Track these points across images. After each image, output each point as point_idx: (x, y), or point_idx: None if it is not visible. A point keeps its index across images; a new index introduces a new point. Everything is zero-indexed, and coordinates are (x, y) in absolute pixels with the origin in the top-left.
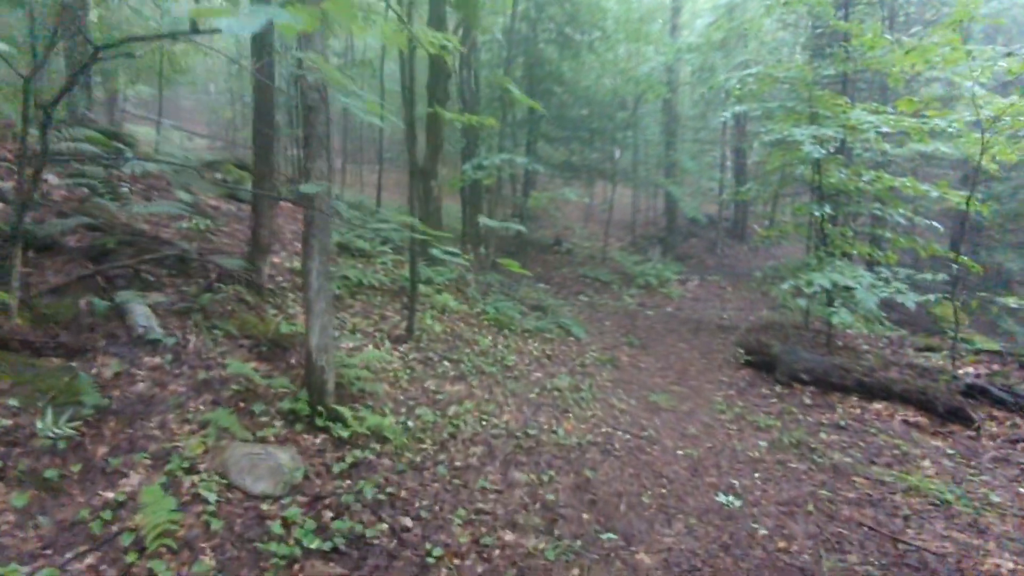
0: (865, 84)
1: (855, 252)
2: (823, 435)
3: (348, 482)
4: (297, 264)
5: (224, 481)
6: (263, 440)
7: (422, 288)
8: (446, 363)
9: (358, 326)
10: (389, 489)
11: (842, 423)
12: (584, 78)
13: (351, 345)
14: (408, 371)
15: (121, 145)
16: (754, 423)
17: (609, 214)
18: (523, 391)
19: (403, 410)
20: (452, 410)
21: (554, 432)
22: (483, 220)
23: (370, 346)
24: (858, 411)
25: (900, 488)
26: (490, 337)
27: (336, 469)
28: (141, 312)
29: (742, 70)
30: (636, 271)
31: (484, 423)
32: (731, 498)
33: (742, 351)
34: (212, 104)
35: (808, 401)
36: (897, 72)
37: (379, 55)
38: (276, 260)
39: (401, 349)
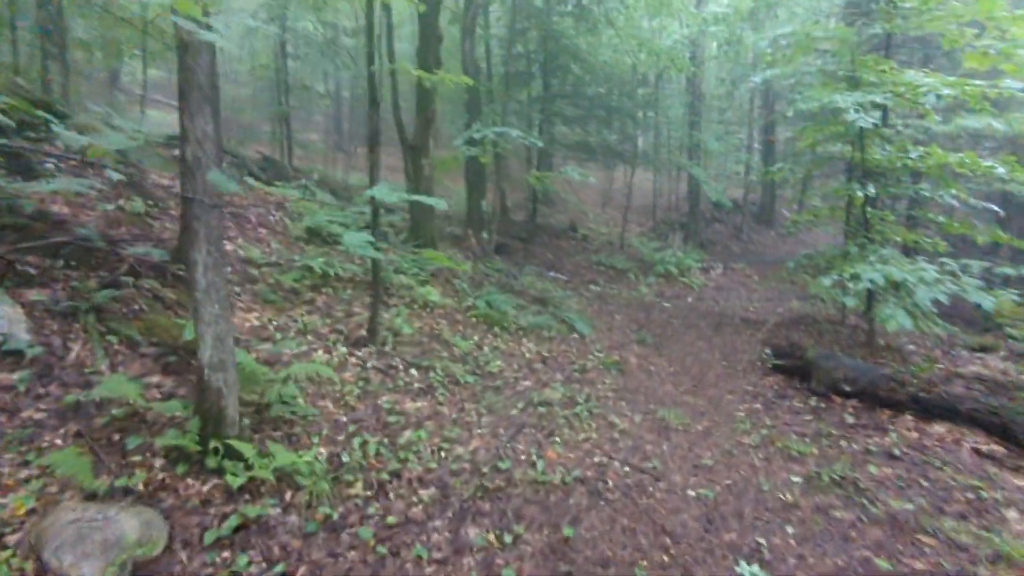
0: (906, 55)
1: (898, 239)
2: (873, 468)
3: (226, 554)
4: (256, 253)
5: (34, 562)
6: (126, 490)
7: (403, 280)
8: (412, 372)
9: (311, 326)
10: (282, 566)
11: (896, 451)
12: (602, 53)
13: (294, 351)
14: (361, 384)
15: (50, 117)
16: (785, 449)
17: (628, 198)
18: (503, 407)
19: (340, 438)
20: (405, 436)
21: (532, 465)
22: (485, 204)
23: (319, 351)
24: (915, 435)
25: (984, 554)
26: (476, 337)
27: (212, 536)
28: (1, 314)
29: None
30: (655, 259)
31: (443, 454)
32: (755, 569)
33: (770, 353)
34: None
35: (851, 420)
36: (955, 35)
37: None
38: (226, 248)
39: (359, 355)
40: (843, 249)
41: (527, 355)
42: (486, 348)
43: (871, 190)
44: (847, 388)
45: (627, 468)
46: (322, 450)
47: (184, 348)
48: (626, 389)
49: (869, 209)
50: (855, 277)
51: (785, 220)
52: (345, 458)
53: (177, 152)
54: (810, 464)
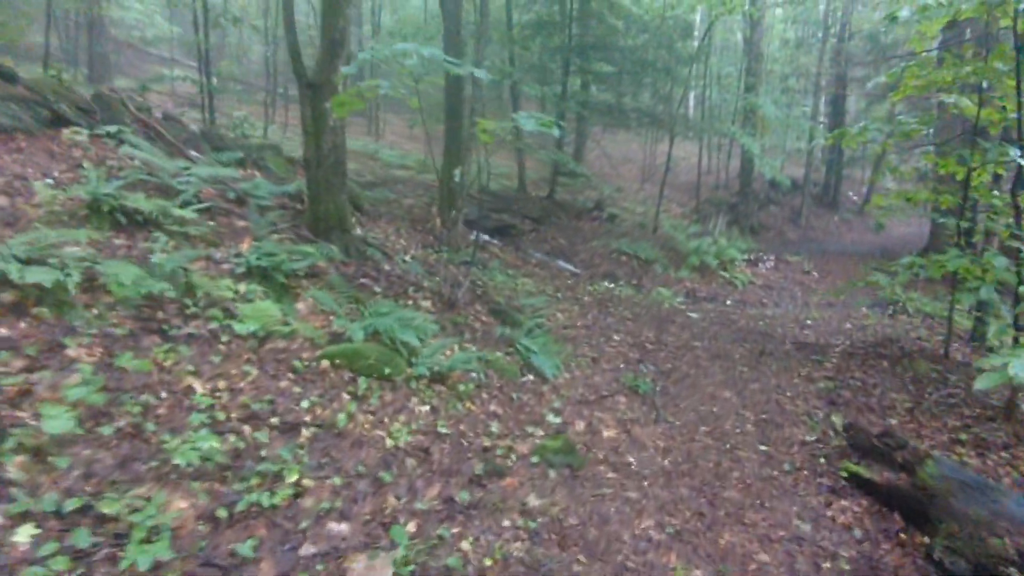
0: None
1: None
2: None
3: None
4: None
5: None
6: None
7: (223, 291)
8: None
9: None
10: None
11: None
12: None
13: None
14: None
15: None
16: None
17: (664, 173)
18: None
19: None
20: None
21: None
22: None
23: None
24: None
25: None
26: (305, 403)
27: None
28: None
29: None
30: (689, 247)
31: None
32: None
33: (841, 429)
34: None
35: None
36: None
37: None
38: None
39: None
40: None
41: (400, 436)
42: (306, 433)
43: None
44: (1012, 566)
45: None
46: None
47: None
48: (561, 532)
49: (996, 193)
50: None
51: (851, 204)
52: None
53: None
54: None
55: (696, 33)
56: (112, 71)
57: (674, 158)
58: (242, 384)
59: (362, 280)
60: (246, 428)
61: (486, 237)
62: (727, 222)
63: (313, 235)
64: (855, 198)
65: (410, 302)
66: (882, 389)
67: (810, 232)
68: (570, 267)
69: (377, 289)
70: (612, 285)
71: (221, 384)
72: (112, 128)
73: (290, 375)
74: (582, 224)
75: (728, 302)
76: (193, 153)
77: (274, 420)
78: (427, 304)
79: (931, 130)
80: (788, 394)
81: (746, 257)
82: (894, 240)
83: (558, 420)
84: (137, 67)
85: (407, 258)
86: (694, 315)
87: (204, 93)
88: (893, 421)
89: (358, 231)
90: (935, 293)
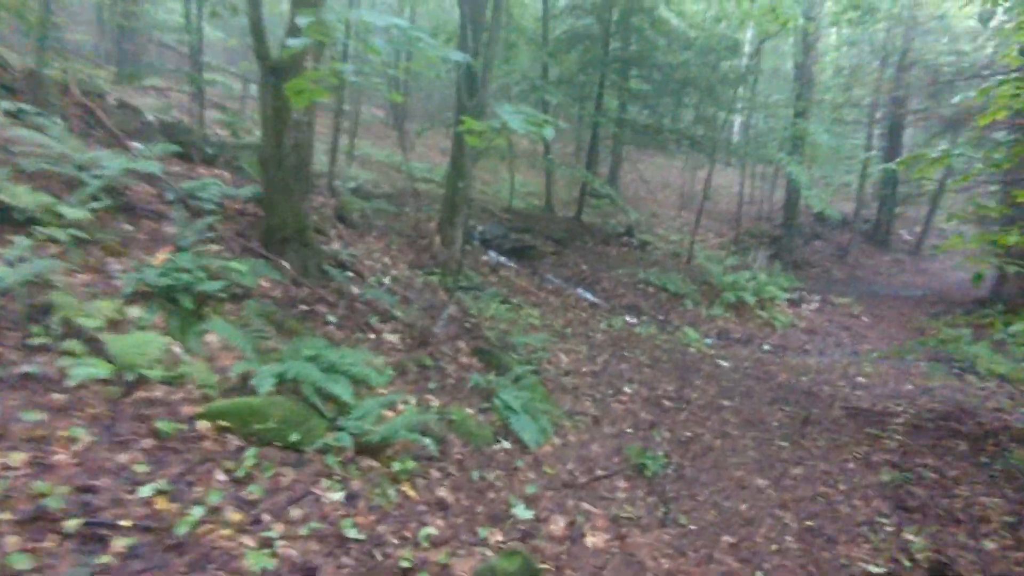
0: None
1: None
2: None
3: None
4: None
5: None
6: None
7: (132, 313)
8: None
9: None
10: None
11: None
12: (686, 11)
13: None
14: None
15: None
16: None
17: (702, 200)
18: None
19: None
20: None
21: None
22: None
23: None
24: None
25: None
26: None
27: None
28: None
29: None
30: (725, 282)
31: None
32: None
33: (919, 558)
34: None
35: None
36: None
37: None
38: None
39: None
40: None
41: (263, 557)
42: (120, 544)
43: None
44: None
45: None
46: None
47: None
48: None
49: None
50: None
51: (904, 244)
52: None
53: None
54: None
55: (744, 51)
56: (144, 70)
57: (714, 186)
58: (58, 457)
59: (313, 307)
60: (10, 540)
61: (501, 258)
62: (768, 256)
63: (265, 248)
64: (908, 237)
65: (372, 336)
66: (967, 487)
67: (858, 271)
68: (590, 296)
69: (331, 319)
70: (634, 320)
71: (18, 457)
72: (10, 106)
73: (146, 443)
74: (610, 250)
75: (765, 347)
76: (136, 145)
77: (72, 523)
78: (393, 339)
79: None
80: (841, 487)
81: (788, 296)
82: (949, 284)
83: (528, 515)
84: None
85: (386, 280)
86: (725, 363)
87: (194, 87)
88: (991, 544)
89: (334, 246)
90: (1008, 351)
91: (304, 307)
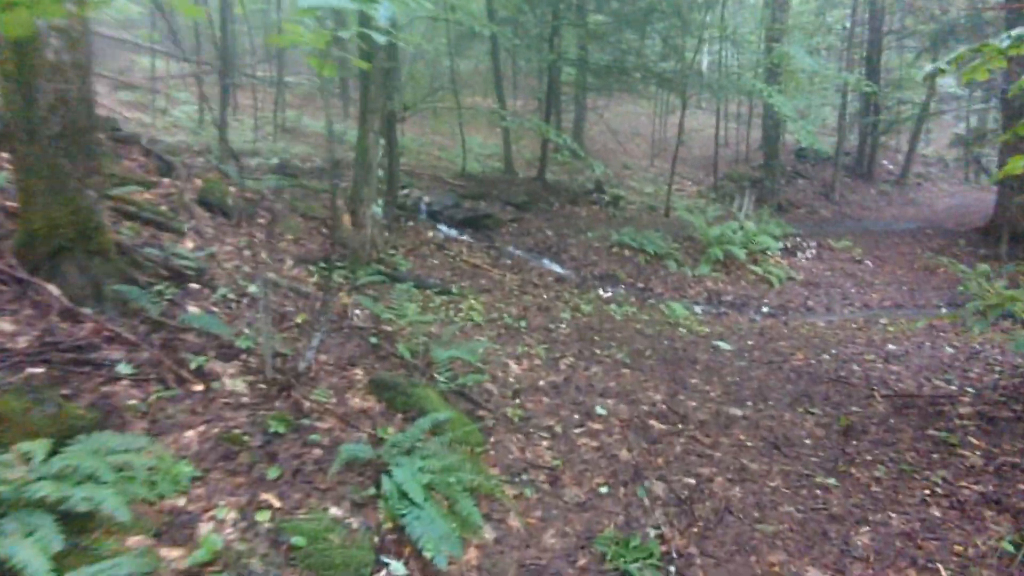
0: None
1: None
2: None
3: None
4: None
5: None
6: None
7: None
8: None
9: None
10: None
11: None
12: None
13: None
14: None
15: None
16: None
17: (676, 145)
18: None
19: None
20: None
21: None
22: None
23: None
24: None
25: None
26: None
27: None
28: None
29: None
30: (710, 235)
31: None
32: None
33: None
34: None
35: None
36: None
37: None
38: None
39: None
40: None
41: None
42: None
43: None
44: None
45: None
46: None
47: None
48: None
49: None
50: None
51: (888, 175)
52: None
53: None
54: None
55: None
56: None
57: (687, 130)
58: None
59: (95, 354)
60: None
61: (453, 232)
62: (753, 200)
63: (24, 266)
64: (891, 167)
65: (198, 388)
66: None
67: (845, 208)
68: (556, 268)
69: (124, 369)
70: (608, 294)
71: None
72: None
73: None
74: (578, 211)
75: (764, 309)
76: None
77: None
78: (239, 386)
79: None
80: (938, 557)
81: (781, 245)
82: (940, 214)
83: None
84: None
85: (253, 287)
86: (724, 345)
87: None
88: None
89: (186, 245)
90: None
91: (74, 356)
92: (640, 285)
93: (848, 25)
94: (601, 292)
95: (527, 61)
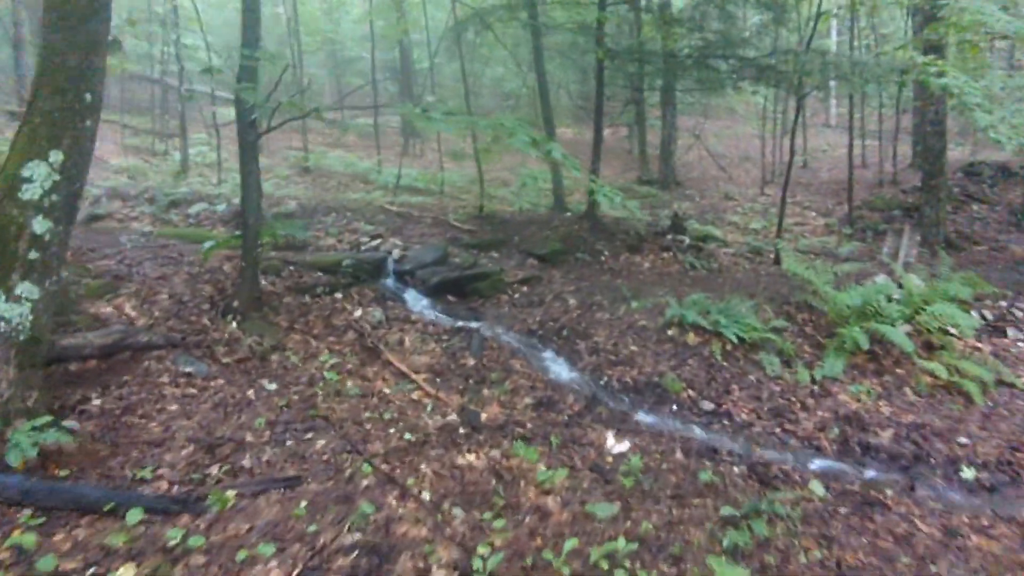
0: None
1: None
2: None
3: None
4: None
5: None
6: None
7: None
8: None
9: None
10: None
11: None
12: None
13: None
14: None
15: None
16: None
17: (789, 163)
18: None
19: None
20: None
21: None
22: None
23: None
24: None
25: None
26: None
27: None
28: None
29: None
30: (843, 303)
31: None
32: None
33: None
34: None
35: None
36: None
37: None
38: None
39: None
40: None
41: None
42: None
43: None
44: None
45: None
46: None
47: None
48: None
49: None
50: None
51: None
52: None
53: None
54: None
55: None
56: None
57: (812, 150)
58: None
59: None
60: None
61: (421, 303)
62: (912, 239)
63: None
64: None
65: None
66: None
67: None
68: (562, 368)
69: None
70: (622, 447)
71: None
72: None
73: None
74: (639, 260)
75: (966, 471)
76: None
77: None
78: None
79: None
80: None
81: (977, 316)
82: None
83: None
84: None
85: None
86: None
87: None
88: None
89: None
90: None
91: None
92: (707, 405)
93: None
94: (610, 441)
95: (572, 59)
